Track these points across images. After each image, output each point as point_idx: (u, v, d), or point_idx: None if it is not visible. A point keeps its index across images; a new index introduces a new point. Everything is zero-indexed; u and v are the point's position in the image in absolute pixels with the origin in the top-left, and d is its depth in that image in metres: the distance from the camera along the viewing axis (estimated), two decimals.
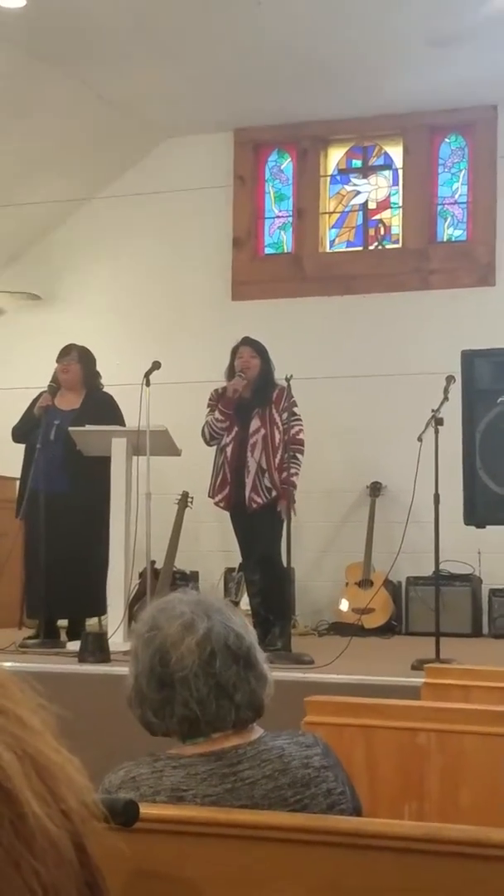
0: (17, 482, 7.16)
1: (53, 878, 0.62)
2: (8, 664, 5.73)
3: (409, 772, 2.64)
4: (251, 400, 6.51)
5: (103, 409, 6.93)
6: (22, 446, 6.98)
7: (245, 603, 7.94)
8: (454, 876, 1.70)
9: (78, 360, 6.98)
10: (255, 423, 6.45)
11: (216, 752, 1.95)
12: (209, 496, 6.64)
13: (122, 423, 6.88)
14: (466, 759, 2.61)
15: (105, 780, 2.00)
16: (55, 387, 6.86)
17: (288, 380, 6.32)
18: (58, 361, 6.99)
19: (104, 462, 6.71)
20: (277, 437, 6.41)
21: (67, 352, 7.02)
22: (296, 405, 6.48)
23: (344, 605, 8.37)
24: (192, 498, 8.52)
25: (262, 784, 1.93)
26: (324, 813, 1.95)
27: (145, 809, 1.76)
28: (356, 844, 1.77)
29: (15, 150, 8.68)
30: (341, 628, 8.07)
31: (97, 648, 5.74)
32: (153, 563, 7.23)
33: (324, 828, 1.79)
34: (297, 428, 6.48)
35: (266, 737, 2.00)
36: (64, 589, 6.67)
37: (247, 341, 6.68)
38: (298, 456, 6.47)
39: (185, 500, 8.59)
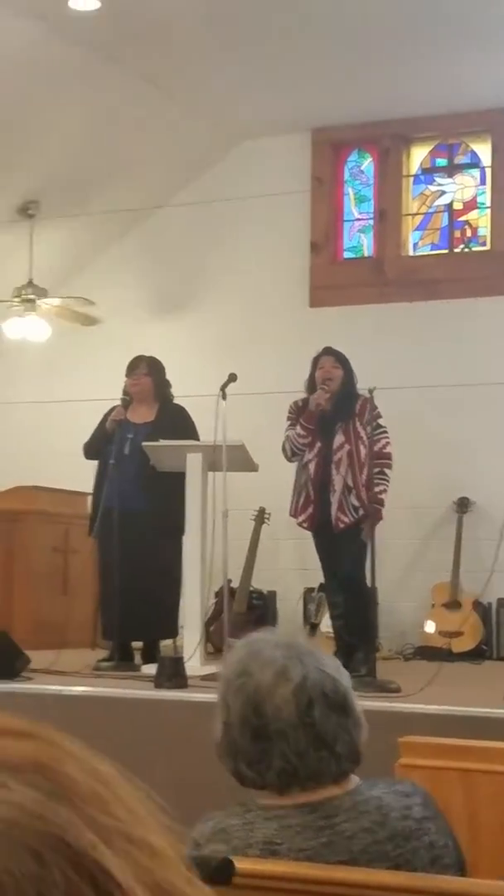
0: (90, 498, 7.19)
1: None
2: (82, 688, 5.76)
3: None
4: (334, 413, 6.45)
5: (178, 421, 6.93)
6: (93, 462, 7.02)
7: (326, 625, 7.89)
8: None
9: (148, 373, 6.99)
10: (339, 438, 6.39)
11: (311, 804, 1.91)
12: (291, 515, 6.59)
13: (197, 436, 6.87)
14: None
15: (195, 830, 1.96)
16: (128, 400, 6.87)
17: (371, 391, 6.25)
18: (127, 375, 7.01)
19: (180, 477, 6.73)
20: (363, 451, 6.34)
21: (136, 364, 7.03)
22: (380, 417, 6.42)
23: (430, 627, 8.27)
24: (269, 514, 8.49)
25: (360, 837, 1.89)
26: (426, 868, 1.90)
27: (239, 864, 1.73)
28: None
29: (87, 156, 8.74)
30: (428, 652, 7.98)
31: (174, 673, 5.72)
32: (229, 581, 7.21)
33: (428, 888, 1.75)
34: (383, 441, 6.41)
35: (363, 786, 1.96)
36: (139, 610, 6.67)
37: (328, 351, 6.63)
38: (386, 471, 6.40)
39: (261, 517, 8.55)
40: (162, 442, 6.64)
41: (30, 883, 0.57)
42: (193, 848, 1.92)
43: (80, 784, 0.63)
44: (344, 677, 1.97)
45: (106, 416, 7.02)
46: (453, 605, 8.29)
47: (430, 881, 1.80)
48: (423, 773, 2.70)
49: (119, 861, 0.59)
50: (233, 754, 1.95)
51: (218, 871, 1.56)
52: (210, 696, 5.43)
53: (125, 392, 6.97)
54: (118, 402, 7.03)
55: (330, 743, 1.91)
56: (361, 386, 6.57)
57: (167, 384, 7.07)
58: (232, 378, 6.47)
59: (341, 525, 6.36)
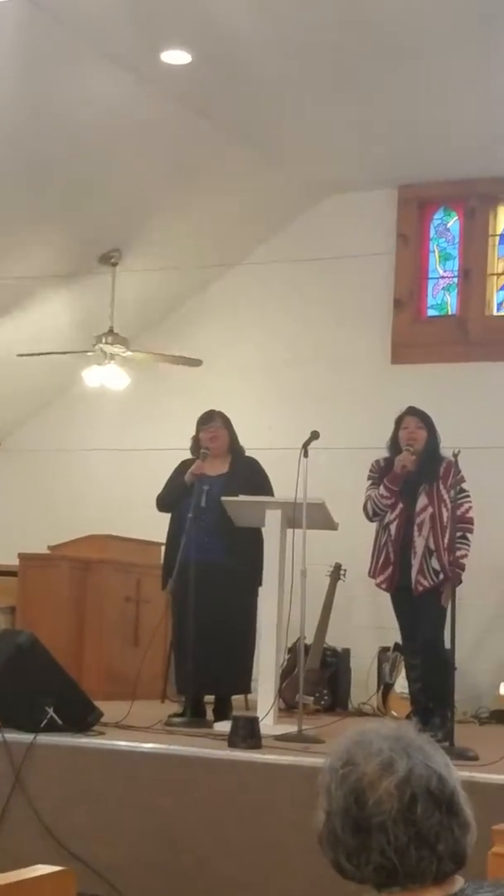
0: (162, 549, 7.15)
1: None
2: (153, 745, 5.71)
3: None
4: (417, 475, 6.39)
5: (251, 474, 6.93)
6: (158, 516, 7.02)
7: (400, 685, 7.79)
8: None
9: (223, 426, 6.99)
10: (422, 501, 6.33)
11: None
12: (370, 576, 6.53)
13: (270, 488, 6.88)
14: None
15: None
16: (207, 453, 6.85)
17: (456, 455, 6.19)
18: (202, 427, 7.00)
19: (258, 531, 6.71)
20: (445, 515, 6.27)
21: (211, 418, 7.04)
22: (464, 481, 6.35)
23: None
24: (344, 570, 8.42)
25: None
26: None
27: None
28: None
29: (170, 208, 8.81)
30: (503, 716, 7.85)
31: (248, 734, 5.66)
32: (304, 639, 7.13)
33: None
34: (466, 506, 6.34)
35: (468, 888, 1.88)
36: (214, 665, 6.63)
37: (412, 411, 6.58)
38: (468, 535, 6.33)
39: (337, 573, 8.49)
40: (242, 497, 6.63)
41: None
42: None
43: None
44: (453, 776, 1.89)
45: (178, 469, 7.02)
46: None
47: None
48: None
49: None
50: (333, 845, 1.88)
51: None
52: (283, 758, 5.40)
53: (197, 445, 6.96)
54: (187, 455, 7.03)
55: (432, 842, 1.83)
56: (444, 445, 6.52)
57: (236, 437, 7.07)
58: (314, 436, 6.44)
59: (421, 588, 6.28)
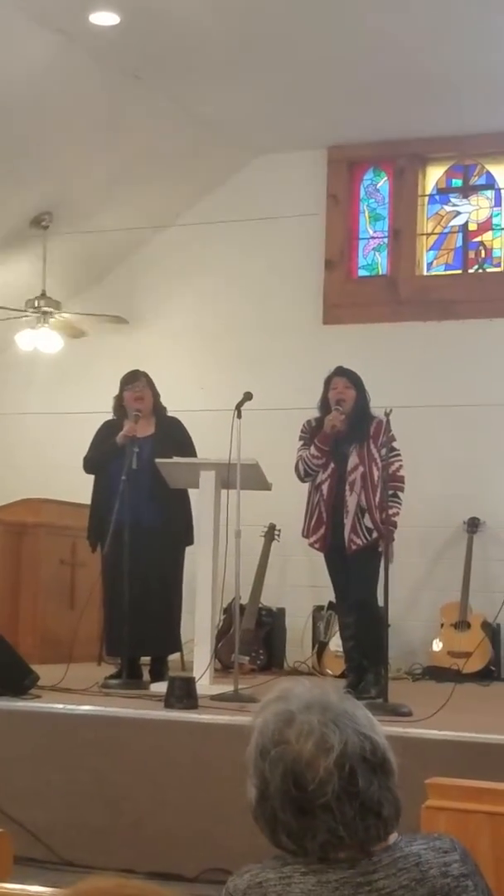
0: (90, 510, 7.10)
1: None
2: (90, 707, 5.71)
3: None
4: (348, 434, 6.39)
5: (177, 434, 6.93)
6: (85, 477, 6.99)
7: (335, 643, 7.86)
8: None
9: (148, 386, 6.95)
10: (353, 460, 6.34)
11: (350, 859, 1.84)
12: (303, 536, 6.54)
13: (194, 449, 6.89)
14: None
15: (229, 883, 1.90)
16: (139, 415, 6.80)
17: (388, 414, 6.19)
18: (127, 387, 6.94)
19: (184, 491, 6.72)
20: (376, 474, 6.28)
21: (136, 377, 6.98)
22: (395, 440, 6.36)
23: (438, 646, 8.22)
24: (279, 530, 8.46)
25: (398, 895, 1.82)
26: None
27: None
28: None
29: (101, 171, 8.72)
30: (436, 672, 7.96)
31: (184, 694, 5.68)
32: (239, 599, 7.15)
33: None
34: (397, 464, 6.36)
35: (402, 841, 1.90)
36: (148, 626, 6.64)
37: (340, 371, 6.57)
38: (399, 494, 6.36)
39: (271, 534, 8.53)
40: (176, 459, 6.61)
41: None
42: None
43: None
44: (379, 733, 1.90)
45: (102, 429, 6.96)
46: (462, 625, 8.25)
47: None
48: (450, 816, 2.65)
49: None
50: (272, 825, 1.88)
51: None
52: (218, 718, 5.41)
53: (120, 405, 6.90)
54: (110, 416, 6.98)
55: (376, 809, 1.85)
56: (374, 404, 6.53)
57: (160, 397, 7.03)
58: (247, 397, 6.43)
59: (354, 547, 6.31)
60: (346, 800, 1.83)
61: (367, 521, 6.28)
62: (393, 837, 1.90)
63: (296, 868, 1.86)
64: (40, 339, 9.16)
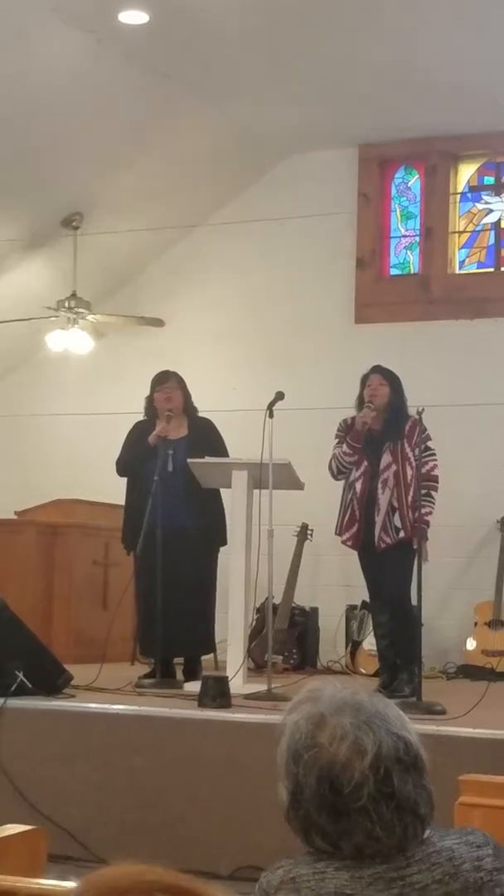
0: (123, 512, 7.12)
1: None
2: (123, 706, 5.74)
3: None
4: (382, 433, 6.40)
5: (209, 435, 6.93)
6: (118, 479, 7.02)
7: (369, 642, 7.85)
8: None
9: (178, 387, 6.95)
10: (386, 458, 6.34)
11: (383, 855, 1.85)
12: (336, 534, 6.55)
13: (226, 449, 6.88)
14: None
15: (262, 878, 1.91)
16: (171, 415, 6.81)
17: (420, 412, 6.19)
18: (157, 388, 6.94)
19: (216, 491, 6.75)
20: (410, 473, 6.28)
21: (166, 378, 6.98)
22: (429, 439, 6.36)
23: (472, 645, 8.21)
24: (311, 530, 8.46)
25: (432, 889, 1.83)
26: None
27: None
28: None
29: (131, 171, 8.75)
30: (470, 671, 7.94)
31: (218, 693, 5.69)
32: (272, 598, 7.16)
33: None
34: (431, 464, 6.35)
35: (434, 836, 1.90)
36: (181, 626, 6.66)
37: (376, 369, 6.58)
38: (433, 493, 6.34)
39: (304, 533, 8.52)
40: (209, 459, 6.62)
41: None
42: None
43: None
44: (412, 732, 1.91)
45: (134, 431, 6.98)
46: (496, 623, 8.23)
47: None
48: (484, 813, 2.64)
49: None
50: (306, 827, 1.88)
51: None
52: (253, 717, 5.42)
53: (151, 405, 6.91)
54: (142, 417, 6.99)
55: (413, 808, 1.86)
56: (409, 404, 6.52)
57: (191, 398, 7.03)
58: (279, 396, 6.45)
59: (383, 545, 6.31)
60: (383, 801, 1.83)
61: (397, 520, 6.28)
62: (426, 833, 1.91)
63: (329, 863, 1.86)
64: (71, 341, 9.19)
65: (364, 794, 1.82)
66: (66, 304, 9.02)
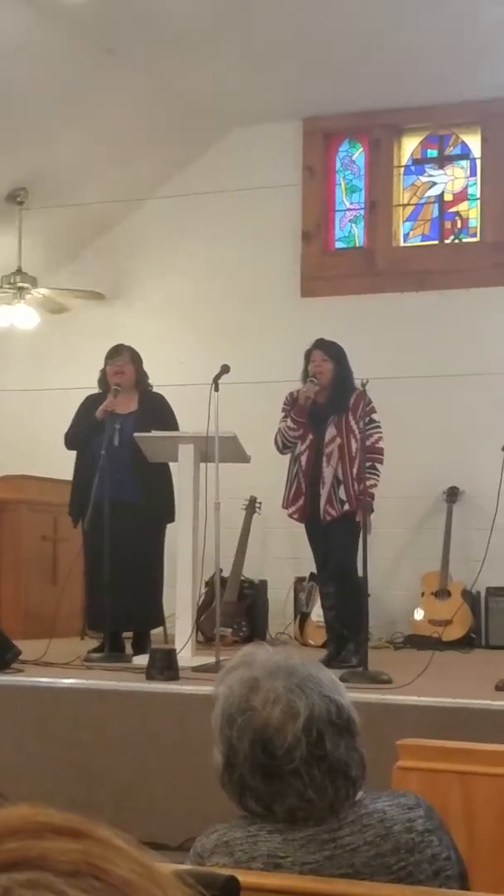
0: (71, 485, 7.11)
1: None
2: (72, 680, 5.75)
3: None
4: (327, 406, 6.43)
5: (161, 410, 6.92)
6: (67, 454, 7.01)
7: (317, 614, 7.90)
8: None
9: (131, 361, 6.94)
10: (330, 432, 6.37)
11: (316, 817, 1.89)
12: (283, 507, 6.59)
13: (177, 424, 6.87)
14: None
15: (197, 843, 1.94)
16: (119, 389, 6.80)
17: (364, 384, 6.22)
18: (109, 361, 6.94)
19: (167, 467, 6.75)
20: (354, 446, 6.32)
21: (118, 352, 6.97)
22: (374, 412, 6.40)
23: (419, 615, 8.29)
24: (260, 503, 8.49)
25: (363, 851, 1.87)
26: (429, 880, 1.89)
27: (242, 878, 1.71)
28: None
29: (78, 145, 8.70)
30: (417, 641, 8.02)
31: (165, 666, 5.71)
32: (220, 571, 7.20)
33: None
34: (375, 436, 6.39)
35: (366, 798, 1.94)
36: (130, 601, 6.67)
37: (319, 344, 6.59)
38: (377, 466, 6.38)
39: (252, 506, 8.56)
40: (154, 433, 6.62)
41: None
42: (196, 861, 1.90)
43: (133, 884, 0.62)
44: (343, 694, 1.93)
45: (85, 405, 6.97)
46: (442, 593, 8.33)
47: (431, 894, 1.78)
48: (421, 776, 2.69)
49: None
50: (240, 790, 1.91)
51: (224, 890, 1.53)
52: (200, 688, 5.47)
53: (105, 379, 6.91)
54: (97, 391, 6.98)
55: (344, 770, 1.89)
56: (354, 376, 6.55)
57: (146, 375, 7.02)
58: (225, 369, 6.44)
59: (328, 518, 6.36)
60: (315, 763, 1.86)
61: (342, 493, 6.32)
62: (358, 794, 1.94)
63: (262, 827, 1.90)
64: (17, 316, 9.16)
65: (297, 756, 1.85)
66: (11, 280, 8.98)
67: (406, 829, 1.90)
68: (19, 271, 8.99)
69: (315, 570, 7.13)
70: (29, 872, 0.62)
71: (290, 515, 6.58)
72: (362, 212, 9.29)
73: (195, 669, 5.91)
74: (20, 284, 8.99)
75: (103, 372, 6.98)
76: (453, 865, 1.96)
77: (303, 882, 1.80)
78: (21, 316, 9.16)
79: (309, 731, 1.86)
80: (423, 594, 8.40)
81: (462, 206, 9.14)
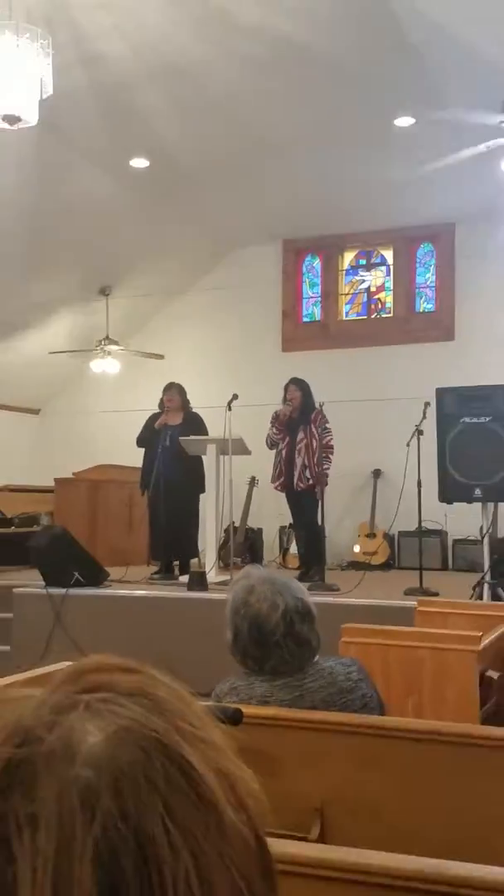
0: (140, 470, 7.10)
1: (246, 867, 0.56)
2: (141, 592, 5.74)
3: (411, 676, 2.56)
4: (298, 419, 6.41)
5: (197, 423, 6.88)
6: (138, 450, 6.98)
7: (293, 549, 7.89)
8: (448, 757, 1.65)
9: (178, 393, 6.93)
10: (300, 435, 6.36)
11: (290, 672, 1.89)
12: (271, 482, 6.57)
13: (206, 432, 6.82)
14: (449, 667, 2.53)
15: (217, 687, 1.93)
16: (169, 409, 6.79)
17: (321, 405, 6.23)
18: (164, 393, 6.93)
19: (200, 459, 6.72)
20: (315, 444, 6.31)
21: (170, 387, 6.94)
22: (327, 422, 6.38)
23: (357, 549, 8.29)
24: (257, 480, 8.45)
25: (319, 692, 1.87)
26: (359, 710, 1.89)
27: (245, 710, 1.72)
28: (380, 734, 1.73)
29: (144, 262, 8.68)
30: (356, 564, 8.00)
31: (199, 582, 5.71)
32: (233, 523, 7.19)
33: (359, 723, 1.75)
34: (328, 438, 6.36)
35: (321, 661, 1.94)
36: (177, 541, 6.66)
37: (292, 380, 6.58)
38: (330, 456, 6.35)
39: (252, 482, 8.53)
40: (192, 437, 6.62)
41: (140, 768, 0.55)
42: (215, 699, 1.90)
43: (169, 703, 0.60)
44: (305, 594, 1.92)
45: (150, 420, 6.96)
46: (371, 535, 8.30)
47: (361, 719, 1.80)
48: (357, 647, 2.69)
49: (195, 753, 0.56)
50: (242, 655, 1.90)
51: (232, 717, 1.55)
52: (221, 595, 5.45)
53: (162, 404, 6.91)
54: (157, 411, 6.98)
55: (307, 643, 1.88)
56: (316, 399, 6.53)
57: (188, 401, 7.01)
58: (234, 397, 6.43)
59: (299, 488, 6.34)
60: (289, 638, 1.85)
61: (307, 473, 6.31)
62: (316, 658, 1.96)
63: (256, 678, 1.90)
64: (106, 366, 9.15)
65: (278, 633, 1.84)
66: (102, 343, 8.97)
67: (345, 679, 1.90)
68: (107, 337, 8.98)
69: (291, 522, 7.11)
70: (102, 693, 0.60)
71: (276, 488, 6.56)
72: (319, 299, 9.28)
73: (217, 584, 5.91)
74: (106, 347, 8.98)
75: (161, 400, 6.98)
76: (375, 702, 1.96)
77: (282, 712, 1.81)
78: (108, 366, 9.14)
79: (285, 618, 1.85)
80: (359, 536, 8.39)
81: (381, 295, 9.11)
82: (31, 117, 3.41)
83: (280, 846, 1.08)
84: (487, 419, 5.13)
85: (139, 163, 7.06)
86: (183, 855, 0.52)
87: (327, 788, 1.70)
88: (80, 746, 0.52)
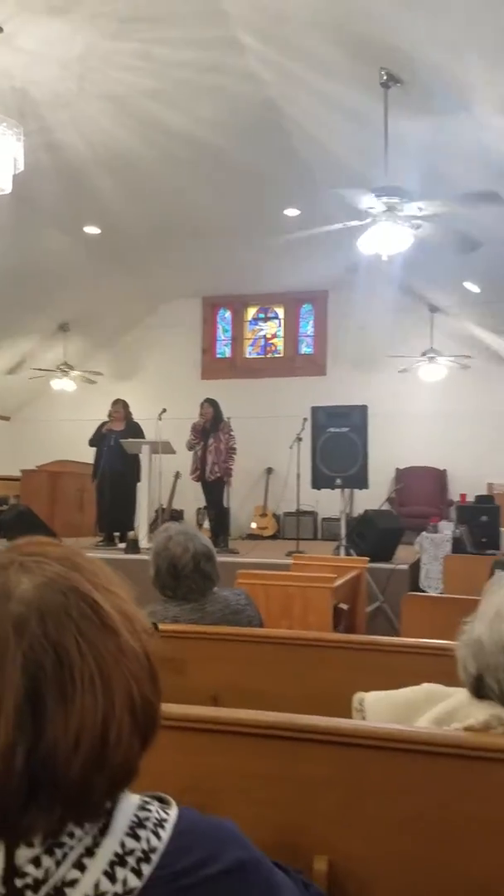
0: (92, 465, 6.95)
1: (137, 672, 0.60)
2: (90, 554, 5.60)
3: (285, 606, 2.62)
4: (210, 428, 6.40)
5: (135, 429, 6.77)
6: (90, 449, 6.84)
7: (206, 524, 7.86)
8: (310, 656, 1.71)
9: (122, 406, 6.83)
10: (211, 440, 6.34)
11: (195, 599, 1.91)
12: (189, 475, 6.54)
13: (143, 436, 6.71)
14: (312, 600, 2.61)
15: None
16: (114, 418, 6.69)
17: (228, 419, 6.26)
18: (112, 406, 6.82)
19: (137, 457, 6.64)
20: (222, 447, 6.32)
21: (117, 402, 6.82)
22: (231, 430, 6.41)
23: (253, 525, 8.34)
24: (180, 473, 8.38)
25: (216, 613, 1.89)
26: (245, 626, 1.92)
27: (162, 627, 1.73)
28: (259, 642, 1.76)
29: (94, 308, 8.50)
30: (252, 536, 8.05)
31: (133, 548, 5.64)
32: (161, 505, 7.13)
33: (246, 634, 1.78)
34: (232, 442, 6.35)
35: (219, 591, 1.97)
36: (119, 518, 6.54)
37: (206, 400, 6.56)
38: (233, 456, 6.34)
39: (176, 475, 8.44)
40: (131, 440, 6.53)
41: (60, 605, 0.57)
42: None
43: (87, 565, 0.63)
44: (210, 545, 1.94)
45: (100, 427, 6.83)
46: (263, 514, 8.37)
47: (245, 631, 1.83)
48: (249, 586, 2.72)
49: (103, 597, 0.60)
50: (161, 586, 1.90)
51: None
52: (148, 557, 5.38)
53: (110, 415, 6.80)
54: (107, 420, 6.86)
55: (209, 576, 1.89)
56: (225, 415, 6.55)
57: (130, 412, 6.93)
58: (164, 411, 6.38)
59: (210, 479, 6.31)
60: (196, 572, 1.86)
61: (216, 468, 6.32)
62: (215, 589, 1.98)
63: (170, 602, 1.90)
64: (64, 384, 8.92)
65: (188, 569, 1.85)
66: (62, 366, 8.75)
67: (236, 604, 1.91)
68: (65, 363, 8.76)
69: (205, 505, 7.09)
70: (34, 557, 0.62)
71: (193, 479, 6.52)
72: (229, 341, 9.32)
73: (147, 549, 5.80)
74: (63, 368, 8.75)
75: (109, 411, 6.85)
76: (257, 621, 1.98)
77: (189, 628, 1.81)
78: (66, 385, 8.91)
79: (194, 558, 1.86)
80: (255, 515, 8.44)
81: (274, 340, 9.22)
82: (7, 186, 3.37)
83: (185, 710, 1.10)
84: (347, 429, 5.31)
85: (92, 230, 6.93)
86: (88, 659, 0.55)
87: (220, 682, 1.73)
88: (15, 591, 0.55)
